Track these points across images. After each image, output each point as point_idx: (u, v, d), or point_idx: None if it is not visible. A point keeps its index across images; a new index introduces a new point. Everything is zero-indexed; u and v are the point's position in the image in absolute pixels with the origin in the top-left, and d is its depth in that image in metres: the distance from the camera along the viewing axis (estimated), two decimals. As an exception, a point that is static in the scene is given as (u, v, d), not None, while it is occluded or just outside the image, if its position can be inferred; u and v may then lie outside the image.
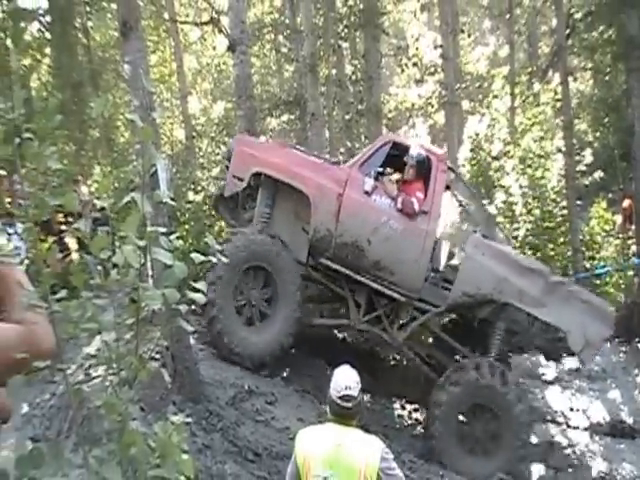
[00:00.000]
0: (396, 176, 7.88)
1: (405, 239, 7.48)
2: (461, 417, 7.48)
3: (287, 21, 18.25)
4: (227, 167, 8.15)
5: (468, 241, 7.78)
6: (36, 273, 1.81)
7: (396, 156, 7.74)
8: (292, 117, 18.27)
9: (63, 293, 1.85)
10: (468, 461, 7.31)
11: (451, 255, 8.83)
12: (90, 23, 16.19)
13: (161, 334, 1.91)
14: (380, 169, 7.73)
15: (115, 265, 1.98)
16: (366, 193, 7.54)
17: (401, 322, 8.03)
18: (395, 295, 7.63)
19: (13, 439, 5.48)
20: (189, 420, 4.78)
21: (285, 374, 7.89)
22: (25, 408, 6.09)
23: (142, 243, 1.84)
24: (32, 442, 5.89)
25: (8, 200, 12.98)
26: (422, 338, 9.23)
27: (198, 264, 1.87)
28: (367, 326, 8.01)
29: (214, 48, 21.36)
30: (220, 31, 10.50)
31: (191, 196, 10.47)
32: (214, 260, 1.92)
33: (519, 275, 7.53)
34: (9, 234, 9.92)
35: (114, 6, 16.42)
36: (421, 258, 7.53)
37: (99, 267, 1.99)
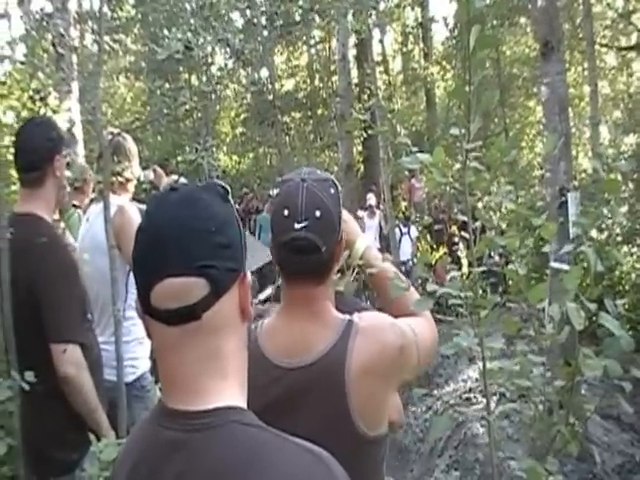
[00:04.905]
0: None
1: None
2: None
3: None
4: None
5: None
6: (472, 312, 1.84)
7: None
8: None
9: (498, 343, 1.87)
10: None
11: None
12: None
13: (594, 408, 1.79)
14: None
15: (551, 318, 1.92)
16: None
17: None
18: None
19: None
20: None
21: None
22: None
23: (591, 306, 1.74)
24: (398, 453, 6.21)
25: (405, 204, 14.22)
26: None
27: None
28: None
29: (631, 75, 19.97)
30: (645, 57, 9.70)
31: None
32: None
33: None
34: (402, 234, 10.87)
35: (523, 20, 16.59)
36: None
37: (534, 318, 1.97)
